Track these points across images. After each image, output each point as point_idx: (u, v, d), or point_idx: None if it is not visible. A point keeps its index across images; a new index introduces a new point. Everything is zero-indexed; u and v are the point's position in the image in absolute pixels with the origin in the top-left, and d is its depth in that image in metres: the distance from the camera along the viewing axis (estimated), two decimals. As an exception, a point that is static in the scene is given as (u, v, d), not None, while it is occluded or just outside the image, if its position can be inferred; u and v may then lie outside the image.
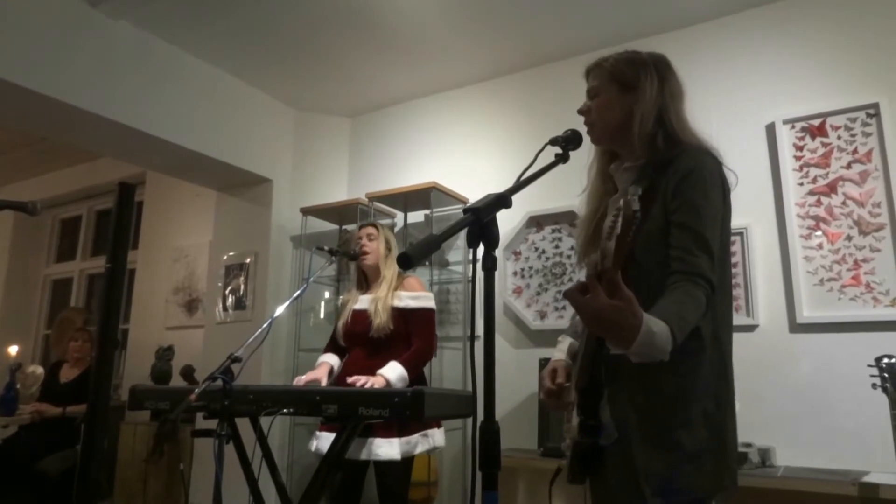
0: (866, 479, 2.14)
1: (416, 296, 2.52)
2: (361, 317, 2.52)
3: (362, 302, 2.57)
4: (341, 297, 2.81)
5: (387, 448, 2.27)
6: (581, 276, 2.72)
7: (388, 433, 2.30)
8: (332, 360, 2.61)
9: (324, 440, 2.38)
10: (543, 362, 2.98)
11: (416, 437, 2.36)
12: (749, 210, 2.80)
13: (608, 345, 1.09)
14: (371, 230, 2.67)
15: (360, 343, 2.52)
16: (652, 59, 1.38)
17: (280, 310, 2.29)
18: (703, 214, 1.21)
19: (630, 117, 1.34)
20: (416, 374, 2.42)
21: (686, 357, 1.18)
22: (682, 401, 1.19)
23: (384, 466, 2.34)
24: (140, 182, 5.03)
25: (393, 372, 2.33)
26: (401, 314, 2.49)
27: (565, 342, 1.49)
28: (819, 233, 2.70)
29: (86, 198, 5.81)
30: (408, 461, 2.39)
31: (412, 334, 2.50)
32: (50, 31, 2.92)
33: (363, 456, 2.27)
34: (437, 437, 2.43)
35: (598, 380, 1.25)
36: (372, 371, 2.35)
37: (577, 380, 1.30)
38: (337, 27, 3.27)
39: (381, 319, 2.44)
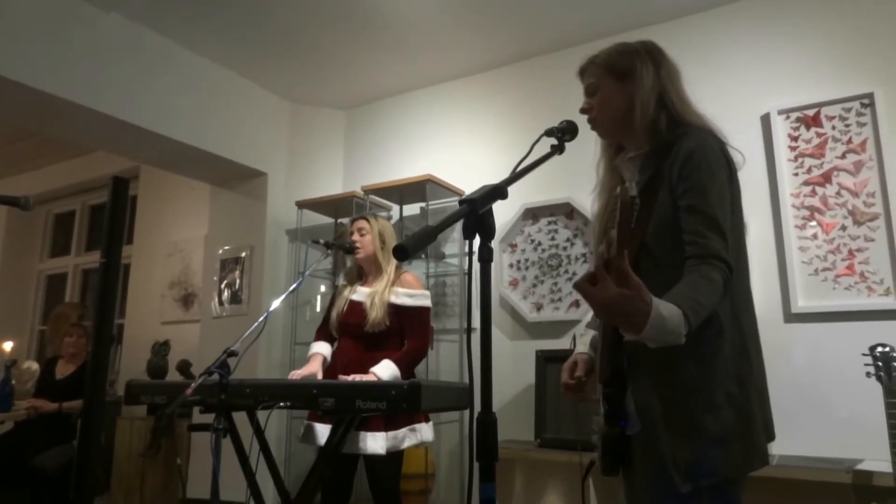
0: (860, 466, 2.16)
1: (412, 293, 2.50)
2: (357, 309, 2.50)
3: (360, 294, 2.54)
4: (338, 283, 2.77)
5: (371, 442, 2.25)
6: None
7: (374, 427, 2.27)
8: (324, 349, 2.58)
9: (314, 430, 2.36)
10: (540, 354, 2.99)
11: (403, 431, 2.33)
12: (744, 200, 2.78)
13: (621, 331, 1.10)
14: (362, 224, 2.62)
15: (352, 335, 2.49)
16: (643, 46, 1.39)
17: (276, 303, 2.29)
18: (710, 195, 1.22)
19: (631, 105, 1.34)
20: (409, 374, 2.40)
21: (706, 343, 1.19)
22: (705, 386, 1.19)
23: (373, 460, 2.32)
24: (134, 176, 5.00)
25: (385, 371, 2.31)
26: (396, 310, 2.46)
27: (588, 335, 1.49)
28: (814, 223, 2.71)
29: (79, 192, 5.78)
30: (397, 455, 2.37)
31: (406, 332, 2.48)
32: (41, 23, 2.89)
33: (347, 449, 2.23)
34: (424, 431, 2.40)
35: (620, 370, 1.26)
36: (364, 366, 2.33)
37: (600, 372, 1.31)
38: (331, 19, 3.25)
39: (376, 315, 2.42)
